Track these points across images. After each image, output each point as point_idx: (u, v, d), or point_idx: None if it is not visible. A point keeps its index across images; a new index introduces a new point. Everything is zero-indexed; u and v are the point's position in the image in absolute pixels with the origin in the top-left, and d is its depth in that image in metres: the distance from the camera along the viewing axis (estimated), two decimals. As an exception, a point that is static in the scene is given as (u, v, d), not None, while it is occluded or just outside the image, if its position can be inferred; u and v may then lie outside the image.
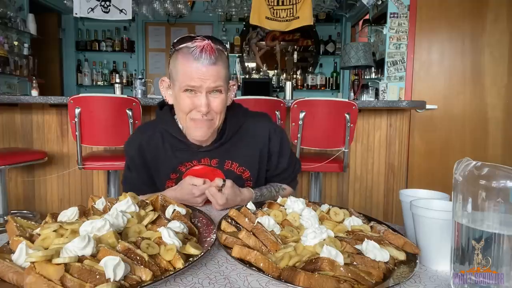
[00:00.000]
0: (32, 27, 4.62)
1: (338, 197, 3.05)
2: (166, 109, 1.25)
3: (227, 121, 1.21)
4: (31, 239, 0.67)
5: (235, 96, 1.27)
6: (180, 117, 1.15)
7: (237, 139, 1.23)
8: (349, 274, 0.59)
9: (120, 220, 0.72)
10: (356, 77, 3.39)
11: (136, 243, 0.66)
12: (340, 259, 0.62)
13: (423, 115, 3.38)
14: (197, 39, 1.06)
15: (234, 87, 1.23)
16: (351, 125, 2.37)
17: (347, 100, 2.43)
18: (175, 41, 1.12)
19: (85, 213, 0.81)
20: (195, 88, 1.06)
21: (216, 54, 1.05)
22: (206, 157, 1.21)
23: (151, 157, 1.22)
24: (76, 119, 2.27)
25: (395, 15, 3.41)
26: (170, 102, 1.18)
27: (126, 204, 0.79)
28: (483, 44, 3.36)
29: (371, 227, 0.81)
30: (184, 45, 1.07)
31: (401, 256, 0.69)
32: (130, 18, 3.73)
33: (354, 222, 0.82)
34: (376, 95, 3.58)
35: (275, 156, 1.28)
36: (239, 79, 4.95)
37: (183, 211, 0.85)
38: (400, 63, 3.42)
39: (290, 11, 3.65)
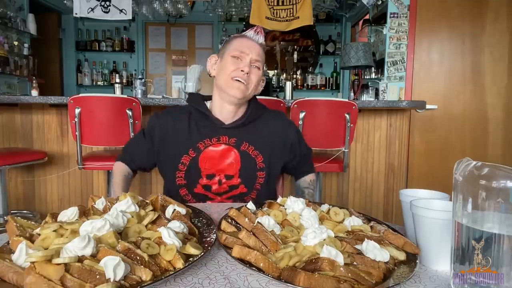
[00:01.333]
0: (32, 27, 4.62)
1: (338, 197, 3.05)
2: (195, 94, 1.46)
3: (251, 105, 1.37)
4: (31, 239, 0.67)
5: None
6: (222, 79, 1.30)
7: (255, 125, 1.36)
8: (349, 274, 0.59)
9: (120, 220, 0.72)
10: (356, 77, 3.39)
11: (136, 243, 0.66)
12: (340, 259, 0.62)
13: (423, 115, 3.38)
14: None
15: (263, 83, 1.39)
16: (351, 125, 2.37)
17: (347, 100, 2.43)
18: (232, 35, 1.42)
19: (85, 213, 0.81)
20: (242, 55, 1.27)
21: (263, 36, 1.32)
22: (226, 135, 1.32)
23: (172, 132, 1.34)
24: (76, 119, 2.27)
25: (395, 15, 3.41)
26: (212, 74, 1.37)
27: (126, 204, 0.79)
28: (483, 44, 3.36)
29: (371, 227, 0.81)
30: (239, 34, 1.35)
31: (401, 256, 0.69)
32: (130, 18, 3.73)
33: (354, 222, 0.82)
34: (376, 95, 3.58)
35: (295, 145, 1.42)
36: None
37: (183, 211, 0.85)
38: (400, 63, 3.42)
39: (290, 11, 3.65)
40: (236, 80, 1.27)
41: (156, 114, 1.40)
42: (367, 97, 3.60)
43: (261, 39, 1.32)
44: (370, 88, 3.67)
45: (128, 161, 1.42)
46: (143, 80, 3.02)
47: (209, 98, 1.42)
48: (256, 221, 0.79)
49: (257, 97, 2.56)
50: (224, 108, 1.34)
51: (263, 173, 1.34)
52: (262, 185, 1.35)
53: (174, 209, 0.84)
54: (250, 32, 1.32)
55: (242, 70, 1.27)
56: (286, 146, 1.40)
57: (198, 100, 1.38)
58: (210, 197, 1.33)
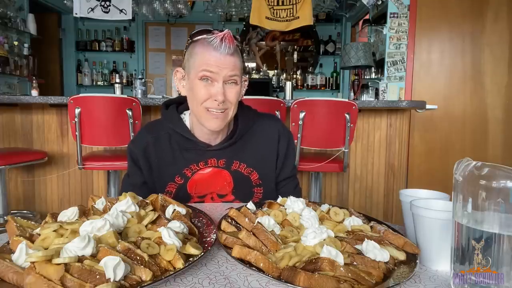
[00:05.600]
0: (32, 27, 4.62)
1: (338, 197, 3.05)
2: (172, 108, 1.24)
3: (239, 121, 1.21)
4: (31, 239, 0.67)
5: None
6: (194, 107, 1.14)
7: (246, 140, 1.22)
8: (349, 274, 0.59)
9: (120, 220, 0.72)
10: (356, 77, 3.39)
11: (136, 243, 0.66)
12: (340, 259, 0.62)
13: (423, 115, 3.38)
14: (215, 31, 1.08)
15: (246, 83, 1.22)
16: (351, 125, 2.37)
17: (347, 100, 2.43)
18: (192, 33, 1.13)
19: (85, 213, 0.81)
20: (212, 75, 1.07)
21: (234, 44, 1.08)
22: (213, 157, 1.19)
23: (156, 158, 1.20)
24: (76, 119, 2.27)
25: (395, 15, 3.41)
26: (183, 93, 1.18)
27: (126, 204, 0.78)
28: (483, 44, 3.36)
29: (371, 227, 0.81)
30: (202, 36, 1.09)
31: (401, 256, 0.69)
32: (130, 18, 3.73)
33: (354, 222, 0.82)
34: (376, 95, 3.58)
35: (281, 159, 1.26)
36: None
37: (183, 211, 0.85)
38: (400, 63, 3.42)
39: (290, 11, 3.65)
40: (211, 111, 1.10)
41: (132, 142, 1.24)
42: (367, 97, 3.61)
43: (231, 47, 1.06)
44: (370, 88, 3.67)
45: None
46: (143, 80, 3.02)
47: (186, 106, 1.23)
48: (256, 221, 0.79)
49: (257, 97, 2.55)
50: (206, 132, 1.18)
51: (260, 189, 1.23)
52: (261, 199, 1.23)
53: (174, 209, 0.84)
54: (215, 41, 1.05)
55: (216, 100, 1.08)
56: (277, 155, 1.26)
57: (175, 119, 1.20)
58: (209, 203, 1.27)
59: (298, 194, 1.26)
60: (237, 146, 1.20)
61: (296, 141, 2.39)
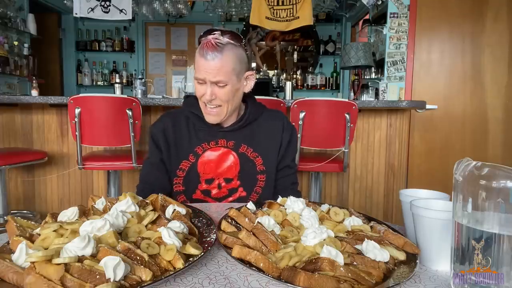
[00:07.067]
0: (32, 27, 4.62)
1: (338, 197, 3.05)
2: (192, 97, 1.37)
3: (248, 107, 1.33)
4: (31, 239, 0.67)
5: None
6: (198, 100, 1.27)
7: (255, 127, 1.33)
8: (349, 274, 0.59)
9: (120, 220, 0.72)
10: (356, 77, 3.39)
11: (136, 243, 0.66)
12: (340, 259, 0.62)
13: (423, 115, 3.38)
14: (212, 34, 1.16)
15: (252, 76, 1.29)
16: (351, 125, 2.37)
17: (347, 100, 2.43)
18: (201, 33, 1.21)
19: (85, 213, 0.81)
20: (200, 79, 1.19)
21: (218, 49, 1.14)
22: (224, 138, 1.30)
23: (173, 137, 1.30)
24: (76, 119, 2.26)
25: (395, 15, 3.40)
26: None
27: (126, 204, 0.79)
28: (483, 44, 3.36)
29: (371, 227, 0.81)
30: (202, 38, 1.19)
31: (401, 256, 0.69)
32: (130, 18, 3.73)
33: (354, 222, 0.82)
34: (376, 95, 3.58)
35: (283, 148, 1.35)
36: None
37: (183, 211, 0.85)
38: (400, 63, 3.42)
39: (290, 11, 3.65)
40: (207, 105, 1.23)
41: (153, 125, 1.35)
42: (367, 97, 3.60)
43: (215, 53, 1.13)
44: (370, 88, 3.67)
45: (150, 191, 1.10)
46: (143, 80, 3.02)
47: None
48: (256, 221, 0.79)
49: (257, 97, 2.57)
50: None
51: (263, 176, 1.31)
52: (263, 189, 1.32)
53: (174, 209, 0.84)
54: (202, 50, 1.15)
55: (205, 98, 1.20)
56: (280, 144, 1.35)
57: (194, 104, 1.32)
58: (209, 203, 1.32)
59: (296, 192, 1.33)
60: (246, 131, 1.32)
61: (296, 141, 2.39)
